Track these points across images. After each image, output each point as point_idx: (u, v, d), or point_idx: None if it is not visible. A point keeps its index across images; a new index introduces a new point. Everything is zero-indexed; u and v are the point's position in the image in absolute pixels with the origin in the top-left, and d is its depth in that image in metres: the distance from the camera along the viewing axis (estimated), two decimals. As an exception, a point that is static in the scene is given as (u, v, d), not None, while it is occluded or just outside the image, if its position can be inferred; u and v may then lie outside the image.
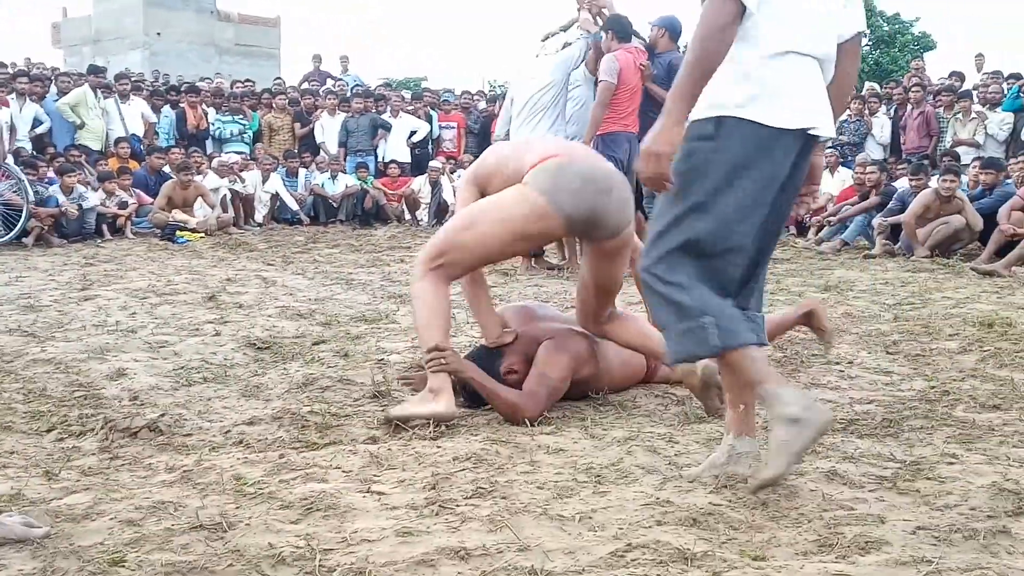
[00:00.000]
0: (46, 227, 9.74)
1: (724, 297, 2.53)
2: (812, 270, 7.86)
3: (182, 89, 14.53)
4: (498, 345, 3.65)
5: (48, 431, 3.24)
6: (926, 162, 10.50)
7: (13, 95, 11.81)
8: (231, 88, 15.74)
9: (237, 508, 2.50)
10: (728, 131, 2.49)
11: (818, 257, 9.02)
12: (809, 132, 2.55)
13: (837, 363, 4.31)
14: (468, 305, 3.75)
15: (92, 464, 2.91)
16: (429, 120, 14.53)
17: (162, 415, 3.37)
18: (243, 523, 2.38)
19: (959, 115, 11.98)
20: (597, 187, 3.42)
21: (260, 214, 12.45)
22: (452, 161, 13.96)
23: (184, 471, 2.80)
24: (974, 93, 12.57)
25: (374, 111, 14.03)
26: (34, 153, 11.31)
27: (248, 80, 16.96)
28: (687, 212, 2.52)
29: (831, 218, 10.07)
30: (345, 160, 13.47)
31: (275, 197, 12.61)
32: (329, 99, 14.24)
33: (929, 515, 2.44)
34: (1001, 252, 7.97)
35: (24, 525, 2.27)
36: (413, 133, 14.15)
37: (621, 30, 7.54)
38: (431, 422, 3.25)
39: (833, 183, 10.92)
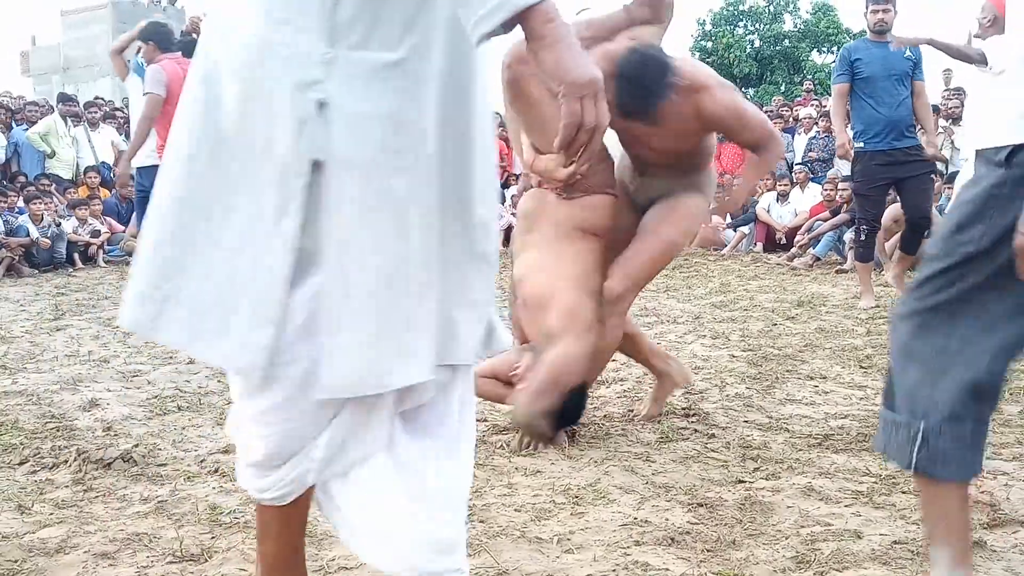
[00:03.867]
0: (16, 257, 9.64)
1: None
2: (785, 286, 7.91)
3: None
4: None
5: (20, 464, 3.19)
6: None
7: None
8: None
9: (213, 538, 2.48)
10: None
11: (791, 273, 9.08)
12: None
13: (811, 378, 4.34)
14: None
15: (66, 496, 2.88)
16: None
17: (136, 445, 3.34)
18: (219, 553, 2.37)
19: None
20: None
21: (234, 239, 12.38)
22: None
23: (159, 502, 2.77)
24: (940, 108, 12.71)
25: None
26: (3, 182, 11.21)
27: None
28: None
29: (806, 234, 10.13)
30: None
31: (248, 222, 12.55)
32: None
33: (905, 529, 2.46)
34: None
35: None
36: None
37: (163, 40, 6.99)
38: None
39: (804, 199, 11.01)
